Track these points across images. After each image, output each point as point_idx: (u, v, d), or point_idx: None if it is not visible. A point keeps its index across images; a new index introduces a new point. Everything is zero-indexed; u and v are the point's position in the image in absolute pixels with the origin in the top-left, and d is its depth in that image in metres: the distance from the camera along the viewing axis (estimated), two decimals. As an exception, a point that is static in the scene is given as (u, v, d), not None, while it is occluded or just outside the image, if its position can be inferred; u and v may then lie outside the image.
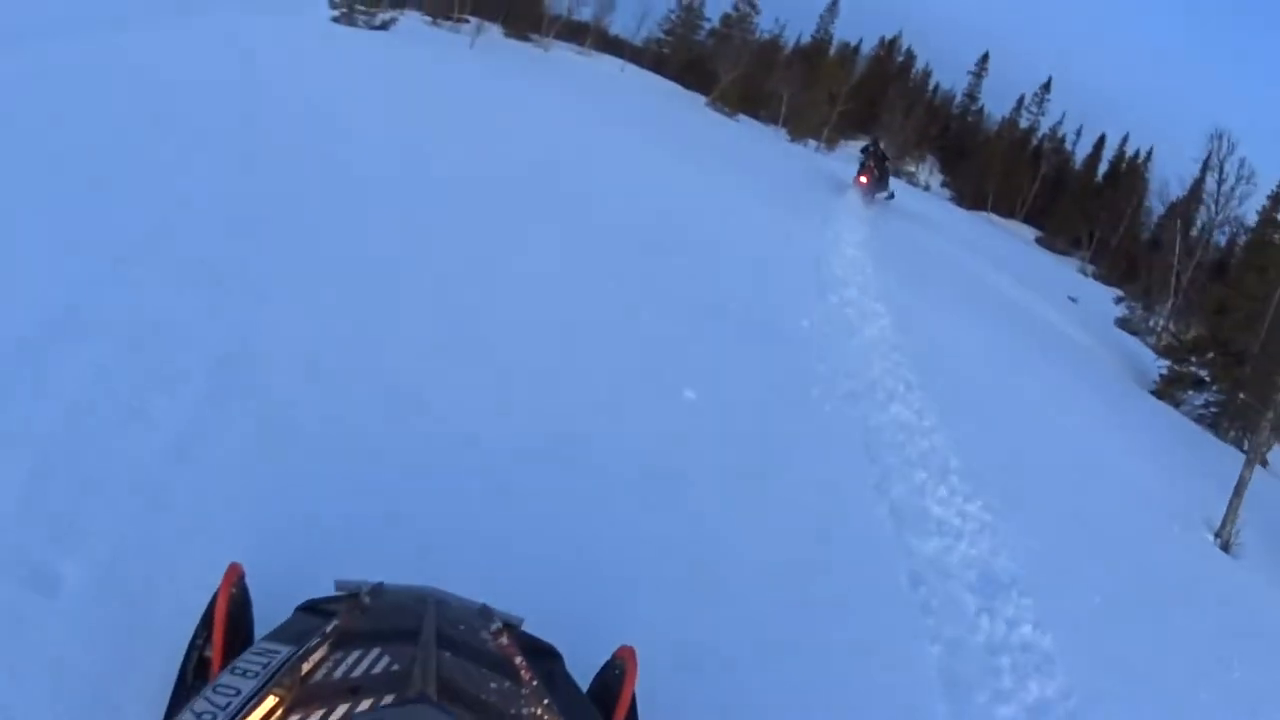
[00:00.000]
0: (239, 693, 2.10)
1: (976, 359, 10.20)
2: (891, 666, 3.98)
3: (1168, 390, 17.23)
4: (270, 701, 2.07)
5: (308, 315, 4.96)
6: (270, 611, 2.76)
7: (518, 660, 2.38)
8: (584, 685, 2.81)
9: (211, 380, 4.12)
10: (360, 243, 6.21)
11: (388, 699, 2.02)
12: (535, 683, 2.31)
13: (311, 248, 5.85)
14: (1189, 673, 5.32)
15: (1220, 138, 29.56)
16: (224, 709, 2.04)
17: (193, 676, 2.69)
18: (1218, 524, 8.39)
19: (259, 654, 2.28)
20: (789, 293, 9.24)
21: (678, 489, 4.58)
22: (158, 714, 2.55)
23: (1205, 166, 32.08)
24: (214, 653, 2.61)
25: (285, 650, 2.27)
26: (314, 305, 5.08)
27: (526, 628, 2.82)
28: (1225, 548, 8.21)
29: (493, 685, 2.23)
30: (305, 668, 2.19)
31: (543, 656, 2.64)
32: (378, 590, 2.69)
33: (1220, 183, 29.85)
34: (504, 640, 2.49)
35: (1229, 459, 13.64)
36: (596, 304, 6.67)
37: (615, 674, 2.88)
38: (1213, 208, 30.39)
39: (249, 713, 2.03)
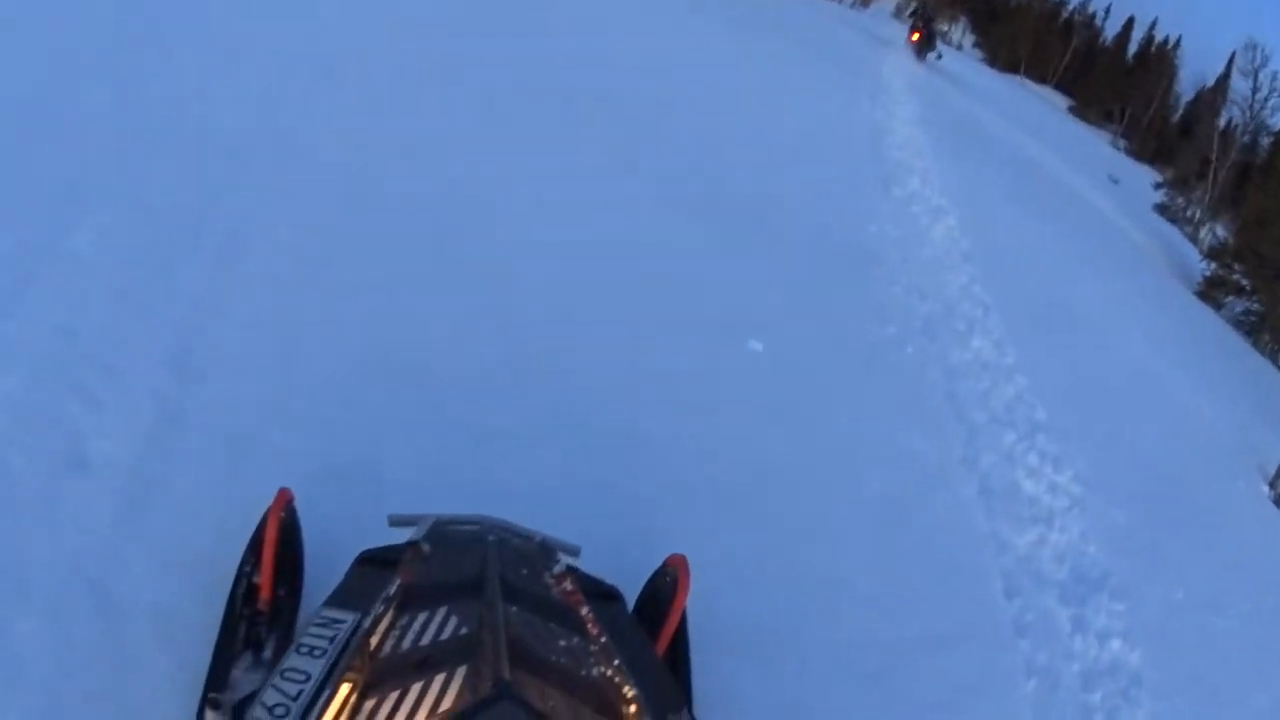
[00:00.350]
0: (309, 677, 2.00)
1: (1041, 265, 9.51)
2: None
3: (1210, 293, 16.72)
4: (344, 690, 1.99)
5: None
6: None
7: (584, 611, 2.34)
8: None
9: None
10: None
11: (461, 671, 1.94)
12: (603, 638, 2.24)
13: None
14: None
15: (1255, 48, 28.14)
16: (295, 699, 1.95)
17: (241, 603, 2.62)
18: (1271, 472, 7.88)
19: (323, 625, 2.16)
20: (849, 187, 8.31)
21: (733, 473, 3.91)
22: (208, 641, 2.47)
23: (1232, 63, 30.93)
24: (263, 579, 2.58)
25: (349, 620, 2.17)
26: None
27: (584, 559, 2.79)
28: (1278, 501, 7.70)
29: (561, 644, 2.18)
30: (373, 641, 2.12)
31: (605, 600, 2.57)
32: (436, 534, 2.60)
33: (1255, 90, 28.40)
34: (567, 586, 2.44)
35: (1267, 379, 13.19)
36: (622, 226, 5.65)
37: (667, 581, 2.83)
38: (1246, 113, 29.03)
39: (325, 707, 1.94)
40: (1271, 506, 7.60)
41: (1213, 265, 17.76)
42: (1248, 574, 5.74)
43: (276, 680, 2.02)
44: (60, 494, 2.73)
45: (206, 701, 2.31)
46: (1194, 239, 21.17)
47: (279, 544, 2.60)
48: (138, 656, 2.47)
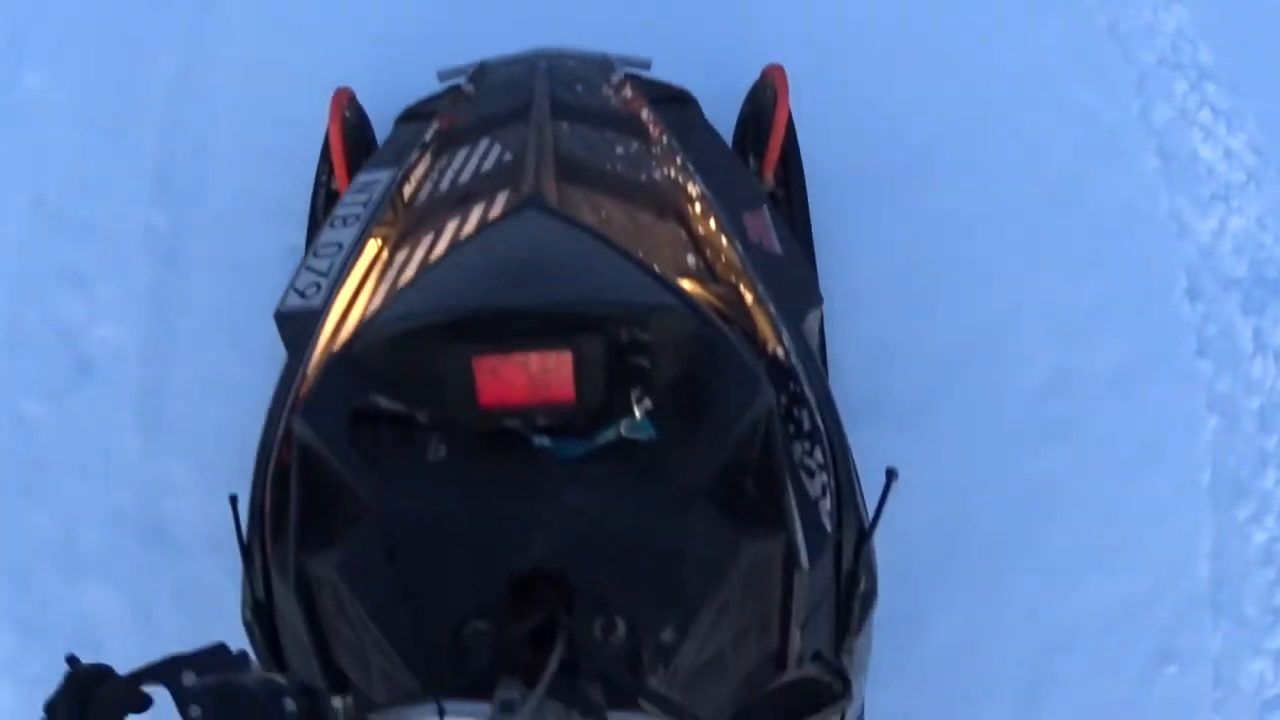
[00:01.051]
0: (340, 247, 1.85)
1: None
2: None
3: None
4: (373, 247, 1.86)
5: None
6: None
7: (644, 115, 2.16)
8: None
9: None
10: None
11: (501, 197, 1.69)
12: (665, 138, 2.09)
13: None
14: None
15: None
16: (326, 274, 1.80)
17: (323, 214, 2.53)
18: None
19: (357, 190, 2.03)
20: None
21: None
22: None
23: None
24: (339, 185, 2.43)
25: (385, 176, 2.03)
26: None
27: (655, 73, 2.53)
28: None
29: (619, 150, 2.01)
30: (408, 191, 2.00)
31: (673, 103, 2.36)
32: (481, 72, 2.40)
33: None
34: (628, 93, 2.26)
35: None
36: None
37: (767, 94, 2.57)
38: None
39: (349, 271, 1.78)
40: None
41: None
42: None
43: (309, 259, 1.88)
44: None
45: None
46: None
47: (346, 145, 2.39)
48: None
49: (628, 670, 1.14)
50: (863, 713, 1.86)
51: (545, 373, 1.24)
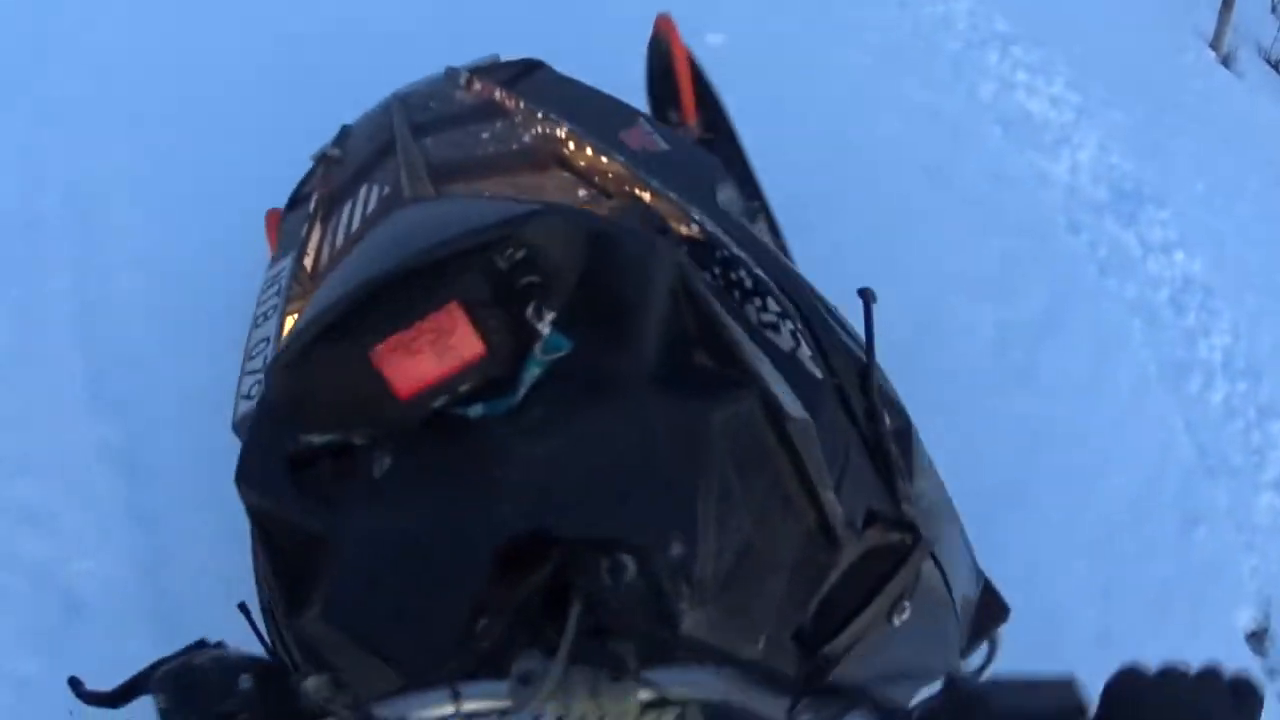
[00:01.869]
0: (268, 340, 1.86)
1: None
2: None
3: None
4: (290, 321, 1.85)
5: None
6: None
7: (497, 95, 2.18)
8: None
9: None
10: None
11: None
12: (522, 104, 2.10)
13: None
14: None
15: None
16: (262, 368, 1.79)
17: None
18: (1210, 34, 7.63)
19: (267, 285, 2.04)
20: None
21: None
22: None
23: None
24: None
25: (287, 261, 2.04)
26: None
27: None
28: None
29: (484, 135, 2.07)
30: (308, 262, 2.02)
31: (523, 75, 2.34)
32: (343, 134, 2.45)
33: None
34: (477, 86, 2.28)
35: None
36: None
37: (661, 46, 2.62)
38: None
39: (274, 349, 1.80)
40: (1223, 69, 7.42)
41: None
42: (1242, 148, 5.58)
43: (245, 363, 1.87)
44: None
45: None
46: None
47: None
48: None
49: (655, 609, 1.04)
50: (972, 555, 1.69)
51: (443, 334, 1.17)
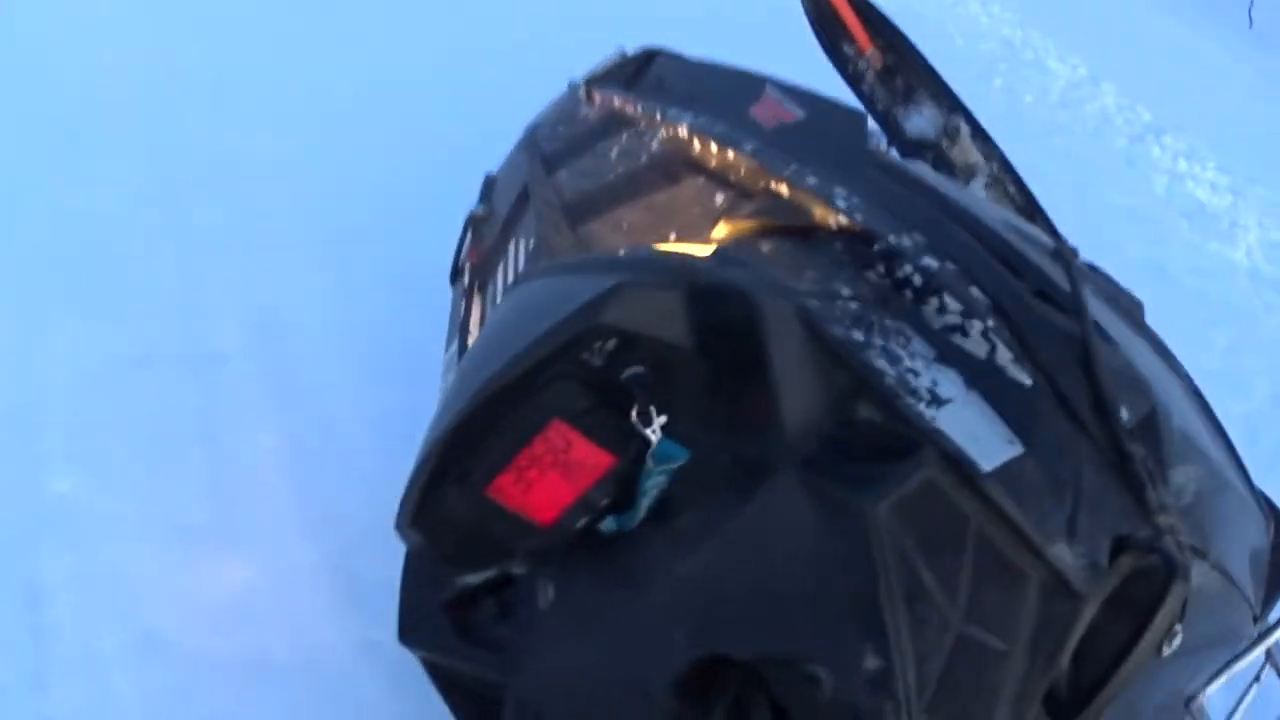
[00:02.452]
0: None
1: None
2: None
3: None
4: None
5: None
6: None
7: (617, 103, 2.08)
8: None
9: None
10: None
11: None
12: (641, 109, 1.99)
13: None
14: None
15: None
16: None
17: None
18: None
19: (445, 374, 2.01)
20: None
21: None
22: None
23: None
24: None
25: (454, 346, 2.03)
26: None
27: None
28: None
29: (613, 153, 1.98)
30: (470, 341, 1.93)
31: (640, 72, 2.26)
32: (487, 186, 2.37)
33: None
34: (596, 99, 2.19)
35: None
36: None
37: None
38: None
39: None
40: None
41: None
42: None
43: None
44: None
45: None
46: None
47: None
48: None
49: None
50: (1254, 493, 1.48)
51: (559, 453, 1.07)
